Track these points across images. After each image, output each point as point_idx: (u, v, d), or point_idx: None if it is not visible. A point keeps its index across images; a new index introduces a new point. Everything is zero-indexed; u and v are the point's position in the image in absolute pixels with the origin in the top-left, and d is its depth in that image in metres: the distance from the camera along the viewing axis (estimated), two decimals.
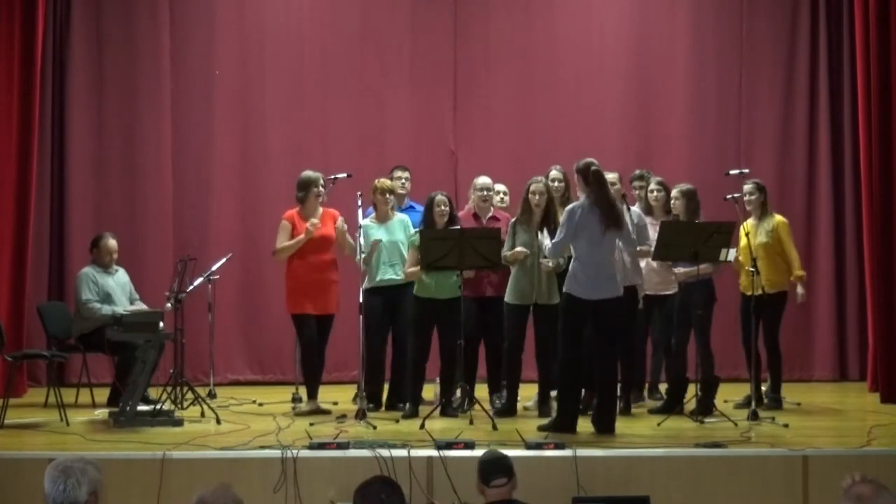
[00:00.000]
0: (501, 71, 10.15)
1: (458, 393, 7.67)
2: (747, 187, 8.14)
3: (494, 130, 10.12)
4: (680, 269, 7.66)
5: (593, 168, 6.91)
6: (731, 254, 7.67)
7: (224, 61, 9.98)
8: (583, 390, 7.57)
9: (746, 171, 8.55)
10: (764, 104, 10.13)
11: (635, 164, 8.99)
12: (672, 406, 7.56)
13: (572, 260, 7.00)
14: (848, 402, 8.73)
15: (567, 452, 5.94)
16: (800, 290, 8.13)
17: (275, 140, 9.97)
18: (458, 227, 7.59)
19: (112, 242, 8.52)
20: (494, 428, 6.85)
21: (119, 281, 8.49)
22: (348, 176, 8.28)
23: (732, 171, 8.50)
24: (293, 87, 10.04)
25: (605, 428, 6.80)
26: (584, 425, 6.94)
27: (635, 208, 7.90)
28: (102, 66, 9.82)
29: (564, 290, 6.94)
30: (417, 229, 7.75)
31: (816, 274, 9.98)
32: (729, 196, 7.97)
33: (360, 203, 7.72)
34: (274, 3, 10.13)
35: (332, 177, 8.25)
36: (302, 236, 7.71)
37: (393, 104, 10.08)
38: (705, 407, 7.40)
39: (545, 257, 7.41)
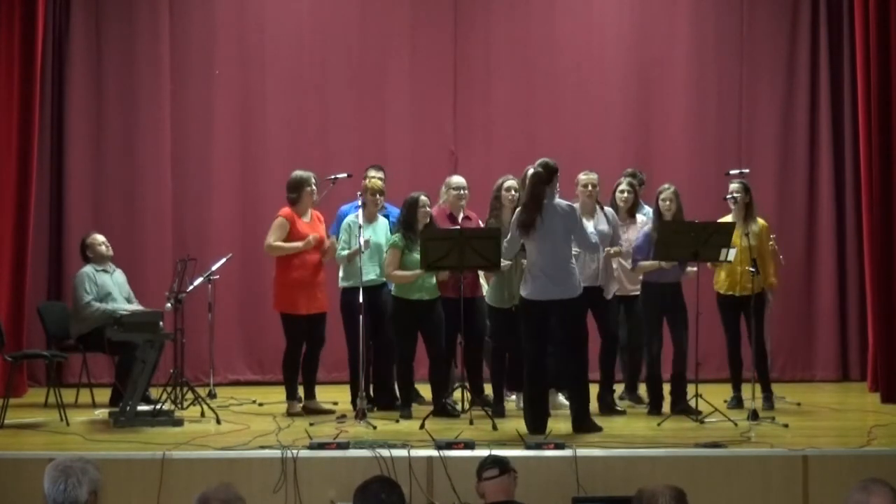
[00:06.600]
0: (501, 71, 10.13)
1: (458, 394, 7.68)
2: (734, 186, 8.01)
3: (494, 130, 10.10)
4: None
5: (529, 171, 6.94)
6: (732, 254, 7.66)
7: (224, 61, 9.97)
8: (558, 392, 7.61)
9: (747, 171, 8.53)
10: (764, 103, 10.11)
11: (635, 163, 8.98)
12: (657, 407, 7.60)
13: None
14: (848, 402, 8.71)
15: (567, 452, 5.96)
16: (769, 296, 7.99)
17: (274, 140, 9.96)
18: (436, 226, 7.58)
19: (98, 235, 8.52)
20: (494, 428, 6.86)
21: (117, 280, 8.47)
22: (348, 176, 8.29)
23: (732, 171, 8.49)
24: (293, 88, 10.03)
25: (585, 427, 6.79)
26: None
27: (609, 209, 7.86)
28: (102, 65, 9.81)
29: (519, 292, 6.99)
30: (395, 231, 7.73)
31: (818, 274, 9.97)
32: (729, 196, 7.96)
33: (360, 203, 7.72)
34: (274, 4, 10.11)
35: (332, 177, 8.26)
36: (300, 244, 7.72)
37: (393, 104, 10.07)
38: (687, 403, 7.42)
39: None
